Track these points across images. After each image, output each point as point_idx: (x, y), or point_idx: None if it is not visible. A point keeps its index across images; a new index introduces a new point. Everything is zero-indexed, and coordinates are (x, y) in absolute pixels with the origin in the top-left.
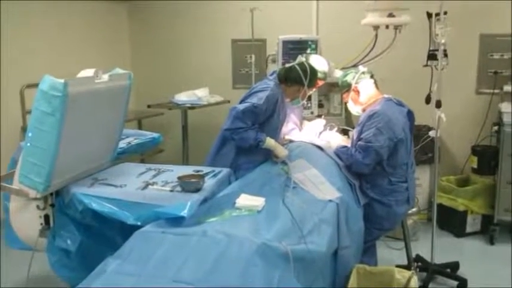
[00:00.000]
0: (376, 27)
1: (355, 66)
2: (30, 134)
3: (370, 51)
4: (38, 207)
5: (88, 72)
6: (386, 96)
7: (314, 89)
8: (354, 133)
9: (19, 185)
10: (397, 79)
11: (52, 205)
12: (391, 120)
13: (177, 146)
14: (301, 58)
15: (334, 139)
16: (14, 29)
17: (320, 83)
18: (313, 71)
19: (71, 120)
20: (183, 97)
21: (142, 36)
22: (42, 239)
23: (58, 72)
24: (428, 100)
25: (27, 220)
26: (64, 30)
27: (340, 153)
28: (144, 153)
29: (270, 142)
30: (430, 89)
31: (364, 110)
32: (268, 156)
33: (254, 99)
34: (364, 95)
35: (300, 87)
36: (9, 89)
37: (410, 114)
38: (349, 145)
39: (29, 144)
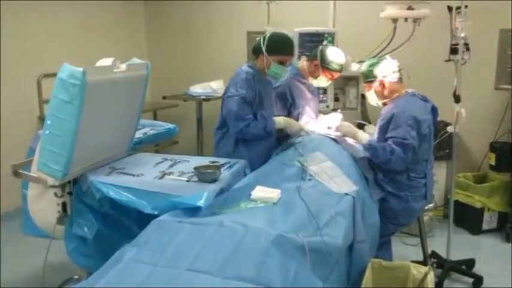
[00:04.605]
0: (394, 20)
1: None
2: (48, 122)
3: (388, 45)
4: (55, 194)
5: (106, 62)
6: (409, 91)
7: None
8: (376, 128)
9: (37, 173)
10: (416, 73)
11: (70, 193)
12: (417, 116)
13: (191, 137)
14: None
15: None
16: (33, 20)
17: (336, 75)
18: (274, 37)
19: (89, 108)
20: (198, 89)
21: (158, 28)
22: (60, 227)
23: (76, 62)
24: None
25: (45, 208)
26: (82, 21)
27: (376, 148)
28: (159, 144)
29: (279, 121)
30: (455, 85)
31: (384, 104)
32: (271, 145)
33: (236, 91)
34: (389, 89)
35: (263, 56)
36: (27, 78)
37: (434, 110)
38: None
39: (47, 132)
